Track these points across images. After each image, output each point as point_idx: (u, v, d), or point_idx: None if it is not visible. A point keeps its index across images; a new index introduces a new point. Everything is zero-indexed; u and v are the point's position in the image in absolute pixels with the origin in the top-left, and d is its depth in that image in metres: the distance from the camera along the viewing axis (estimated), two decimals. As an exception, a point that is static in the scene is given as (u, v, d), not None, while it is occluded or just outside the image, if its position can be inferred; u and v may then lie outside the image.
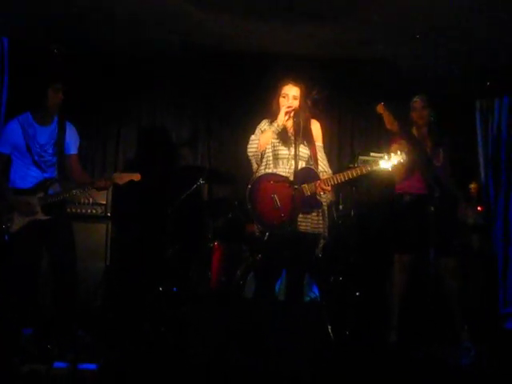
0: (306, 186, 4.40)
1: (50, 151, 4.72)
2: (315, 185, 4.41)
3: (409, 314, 5.18)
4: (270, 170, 4.57)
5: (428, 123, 5.20)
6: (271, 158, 4.59)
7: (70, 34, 5.65)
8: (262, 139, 4.54)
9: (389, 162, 4.41)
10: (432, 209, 4.74)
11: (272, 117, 4.65)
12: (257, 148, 4.56)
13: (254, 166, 4.67)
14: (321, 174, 4.51)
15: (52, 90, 4.66)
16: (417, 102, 5.21)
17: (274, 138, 4.57)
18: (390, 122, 4.97)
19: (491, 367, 4.65)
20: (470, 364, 4.65)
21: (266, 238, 4.49)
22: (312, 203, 4.47)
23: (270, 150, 4.60)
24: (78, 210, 5.65)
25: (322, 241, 4.63)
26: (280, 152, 4.58)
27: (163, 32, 5.72)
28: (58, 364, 3.96)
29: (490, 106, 6.34)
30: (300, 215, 4.40)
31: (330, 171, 4.63)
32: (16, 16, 5.38)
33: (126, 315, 5.46)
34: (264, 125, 4.66)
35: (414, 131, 5.18)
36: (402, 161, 4.43)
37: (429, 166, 4.95)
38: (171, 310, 5.43)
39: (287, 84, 4.62)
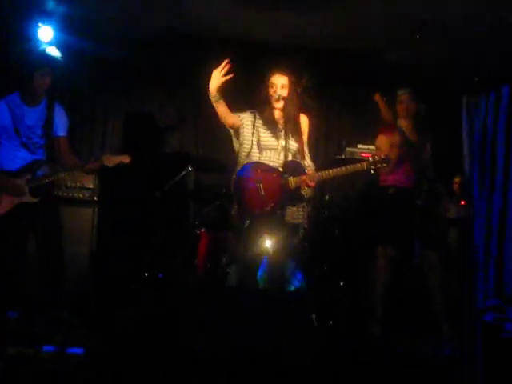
0: (291, 178, 4.45)
1: (39, 133, 4.67)
2: (301, 179, 4.45)
3: (392, 306, 5.23)
4: (254, 159, 4.60)
5: (414, 116, 5.23)
6: (255, 147, 4.62)
7: (60, 17, 5.59)
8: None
9: (372, 166, 4.48)
10: (419, 202, 4.81)
11: (259, 106, 4.67)
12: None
13: (234, 140, 4.73)
14: (306, 169, 4.55)
15: (38, 75, 4.61)
16: (403, 94, 5.22)
17: (262, 127, 4.61)
18: (385, 112, 5.02)
19: (472, 357, 4.72)
20: (452, 354, 4.70)
21: (246, 225, 4.54)
22: (295, 196, 4.53)
23: (256, 139, 4.63)
24: (65, 194, 5.57)
25: (301, 231, 4.69)
26: (268, 143, 4.60)
27: (152, 18, 5.70)
28: (44, 347, 3.96)
29: (476, 100, 6.37)
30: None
31: (313, 166, 4.68)
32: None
33: (112, 300, 5.46)
34: (256, 116, 4.68)
35: (401, 124, 5.21)
36: (385, 165, 4.51)
37: (418, 159, 5.01)
38: (156, 295, 5.43)
39: (275, 74, 4.64)
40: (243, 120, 4.67)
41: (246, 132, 4.66)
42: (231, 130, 4.72)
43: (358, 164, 4.51)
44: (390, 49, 5.98)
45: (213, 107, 4.54)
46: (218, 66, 4.42)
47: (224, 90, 4.48)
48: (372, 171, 4.49)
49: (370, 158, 4.52)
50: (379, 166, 4.49)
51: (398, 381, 4.08)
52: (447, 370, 4.23)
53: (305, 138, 4.71)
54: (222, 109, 4.54)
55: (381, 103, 5.03)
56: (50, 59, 4.70)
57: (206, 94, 4.50)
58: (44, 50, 4.73)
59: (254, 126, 4.66)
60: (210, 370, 3.72)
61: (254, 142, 4.62)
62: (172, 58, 6.63)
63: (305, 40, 6.04)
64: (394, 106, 5.23)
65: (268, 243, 4.53)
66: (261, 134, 4.62)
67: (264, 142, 4.60)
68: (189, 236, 5.54)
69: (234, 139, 4.75)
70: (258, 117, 4.66)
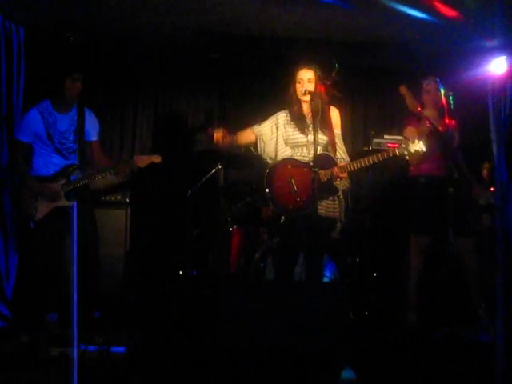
0: (322, 171, 4.44)
1: (71, 138, 4.78)
2: (332, 171, 4.47)
3: (427, 294, 5.24)
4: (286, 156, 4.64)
5: (440, 105, 5.23)
6: (285, 145, 4.65)
7: (87, 21, 5.65)
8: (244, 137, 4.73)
9: (406, 150, 4.38)
10: (451, 190, 4.81)
11: (288, 103, 4.71)
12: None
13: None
14: (338, 161, 4.56)
15: (70, 81, 4.71)
16: (430, 84, 5.21)
17: (289, 125, 4.65)
18: (412, 103, 5.00)
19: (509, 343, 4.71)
20: (490, 341, 4.69)
21: (282, 221, 4.58)
22: (328, 189, 4.53)
23: (283, 138, 4.66)
24: (98, 197, 5.66)
25: (338, 224, 4.69)
26: (297, 140, 4.63)
27: (178, 16, 5.72)
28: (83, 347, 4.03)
29: (502, 84, 6.32)
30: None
31: (347, 159, 4.66)
32: (32, 4, 5.37)
33: (147, 300, 5.54)
34: (281, 117, 4.72)
35: (428, 113, 5.19)
36: (419, 150, 4.41)
37: (447, 147, 5.01)
38: (192, 293, 5.49)
39: (301, 69, 4.66)
40: (262, 130, 4.74)
41: (267, 137, 4.73)
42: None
43: (389, 151, 4.44)
44: (415, 40, 5.91)
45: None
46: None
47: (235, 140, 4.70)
48: (406, 157, 4.42)
49: (403, 144, 4.40)
50: (412, 150, 4.43)
51: (435, 367, 4.10)
52: (484, 356, 4.23)
53: (337, 130, 4.69)
54: (242, 139, 4.74)
55: (407, 95, 5.00)
56: (81, 64, 4.77)
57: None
58: (75, 56, 4.79)
59: (277, 128, 4.70)
60: (248, 364, 3.77)
61: (281, 142, 4.66)
62: (198, 58, 6.67)
63: (329, 33, 6.02)
64: (420, 96, 5.21)
65: (303, 237, 4.55)
66: (289, 133, 4.66)
67: (292, 140, 4.63)
68: (221, 233, 5.58)
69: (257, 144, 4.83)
70: (284, 116, 4.70)
